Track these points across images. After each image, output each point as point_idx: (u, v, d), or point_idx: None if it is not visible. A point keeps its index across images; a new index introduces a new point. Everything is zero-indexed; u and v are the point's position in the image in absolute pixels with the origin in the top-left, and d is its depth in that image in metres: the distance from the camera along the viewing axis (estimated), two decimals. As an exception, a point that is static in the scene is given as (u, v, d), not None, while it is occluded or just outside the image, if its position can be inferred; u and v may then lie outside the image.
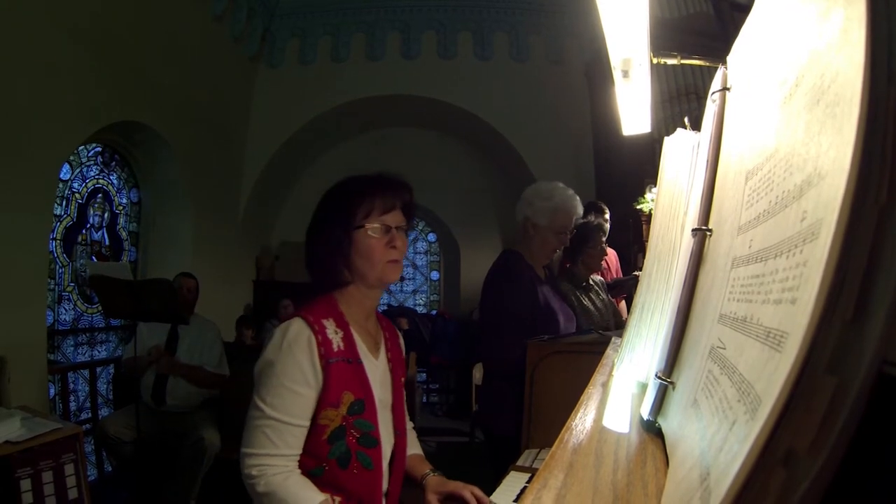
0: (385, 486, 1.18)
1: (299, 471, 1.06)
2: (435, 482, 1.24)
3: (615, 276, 3.28)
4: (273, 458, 1.03)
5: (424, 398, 6.08)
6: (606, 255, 2.58)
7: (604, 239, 2.48)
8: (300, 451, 1.07)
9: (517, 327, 1.81)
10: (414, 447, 1.36)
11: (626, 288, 2.93)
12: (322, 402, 1.07)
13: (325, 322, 1.11)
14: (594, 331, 1.78)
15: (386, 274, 1.16)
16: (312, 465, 1.08)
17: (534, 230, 1.98)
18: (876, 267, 0.29)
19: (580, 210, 2.00)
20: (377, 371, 1.19)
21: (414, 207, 1.25)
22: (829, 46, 0.38)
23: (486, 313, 2.00)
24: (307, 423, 1.07)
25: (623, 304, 3.00)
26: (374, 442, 1.12)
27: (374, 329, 1.26)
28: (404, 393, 1.30)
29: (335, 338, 1.11)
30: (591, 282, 2.45)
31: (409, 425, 1.38)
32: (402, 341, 1.37)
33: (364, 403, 1.11)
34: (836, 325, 0.29)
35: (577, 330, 1.97)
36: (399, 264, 1.19)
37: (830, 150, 0.34)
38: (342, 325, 1.15)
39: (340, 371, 1.09)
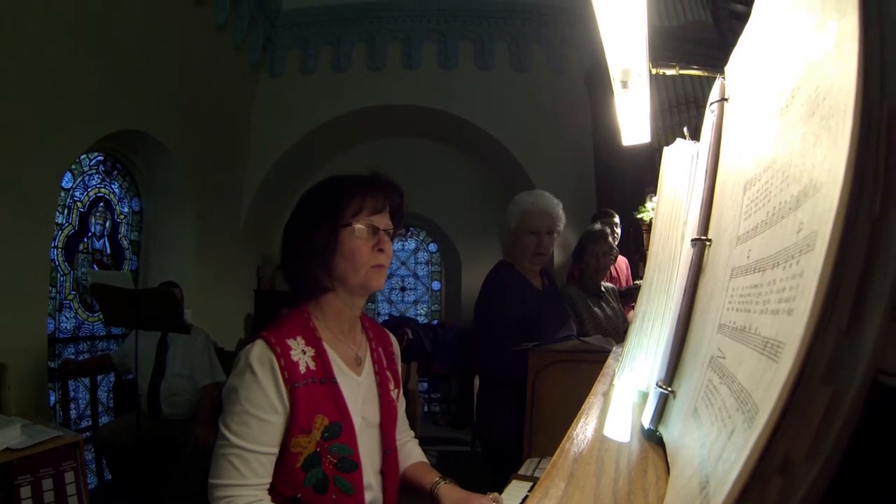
0: None
1: (269, 498, 1.00)
2: (449, 492, 1.15)
3: (625, 284, 3.29)
4: (240, 488, 0.97)
5: (426, 408, 6.05)
6: (614, 261, 2.59)
7: (609, 245, 2.49)
8: (269, 479, 1.00)
9: (506, 335, 1.85)
10: (418, 456, 1.29)
11: (634, 297, 2.93)
12: (292, 429, 0.99)
13: (290, 342, 1.03)
14: (574, 337, 1.81)
15: (369, 279, 1.08)
16: (288, 494, 1.02)
17: (512, 236, 2.02)
18: (870, 277, 0.29)
19: (555, 209, 2.00)
20: (359, 388, 1.11)
21: (404, 213, 1.18)
22: (823, 59, 0.39)
23: (478, 323, 2.05)
24: (275, 450, 1.00)
25: (632, 312, 3.00)
26: (353, 466, 1.04)
27: (358, 341, 1.17)
28: (397, 406, 1.22)
29: (303, 358, 1.03)
30: (602, 289, 2.46)
31: (410, 434, 1.33)
32: (396, 348, 1.28)
33: (341, 426, 1.03)
34: (832, 335, 0.30)
35: (567, 336, 1.98)
36: (384, 270, 1.10)
37: (825, 162, 0.34)
38: (313, 342, 1.06)
39: (311, 393, 1.01)
